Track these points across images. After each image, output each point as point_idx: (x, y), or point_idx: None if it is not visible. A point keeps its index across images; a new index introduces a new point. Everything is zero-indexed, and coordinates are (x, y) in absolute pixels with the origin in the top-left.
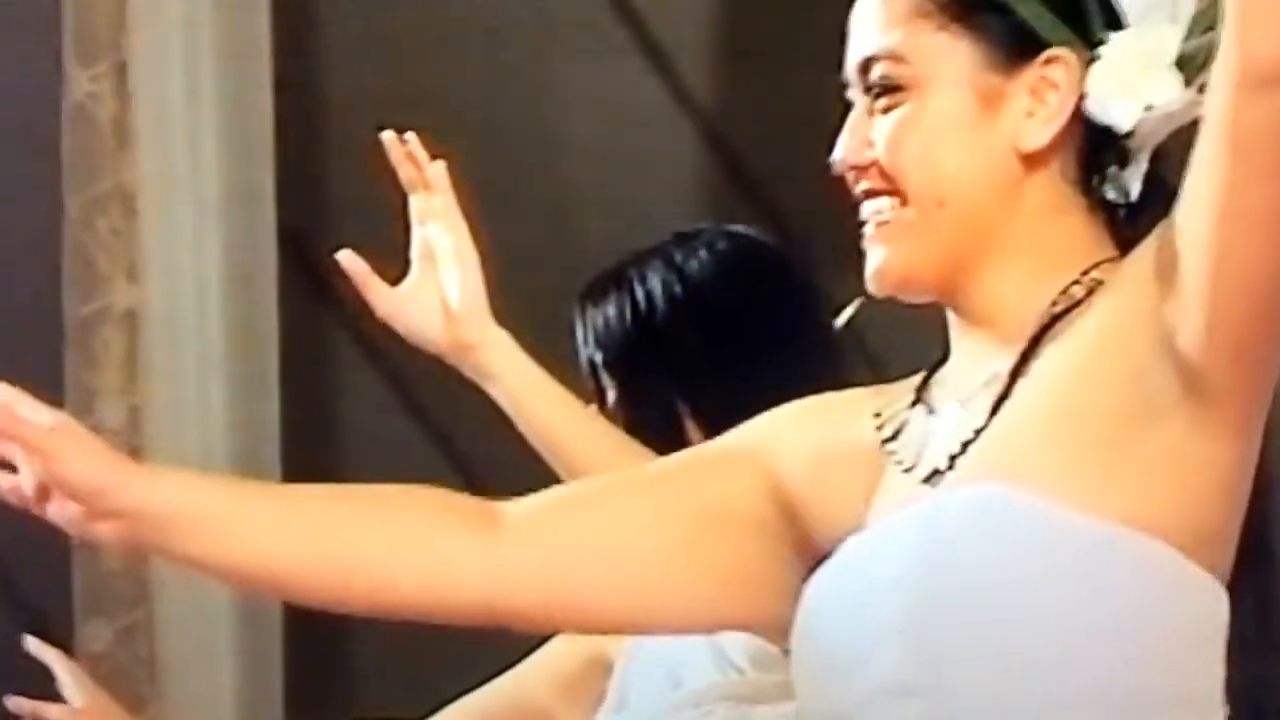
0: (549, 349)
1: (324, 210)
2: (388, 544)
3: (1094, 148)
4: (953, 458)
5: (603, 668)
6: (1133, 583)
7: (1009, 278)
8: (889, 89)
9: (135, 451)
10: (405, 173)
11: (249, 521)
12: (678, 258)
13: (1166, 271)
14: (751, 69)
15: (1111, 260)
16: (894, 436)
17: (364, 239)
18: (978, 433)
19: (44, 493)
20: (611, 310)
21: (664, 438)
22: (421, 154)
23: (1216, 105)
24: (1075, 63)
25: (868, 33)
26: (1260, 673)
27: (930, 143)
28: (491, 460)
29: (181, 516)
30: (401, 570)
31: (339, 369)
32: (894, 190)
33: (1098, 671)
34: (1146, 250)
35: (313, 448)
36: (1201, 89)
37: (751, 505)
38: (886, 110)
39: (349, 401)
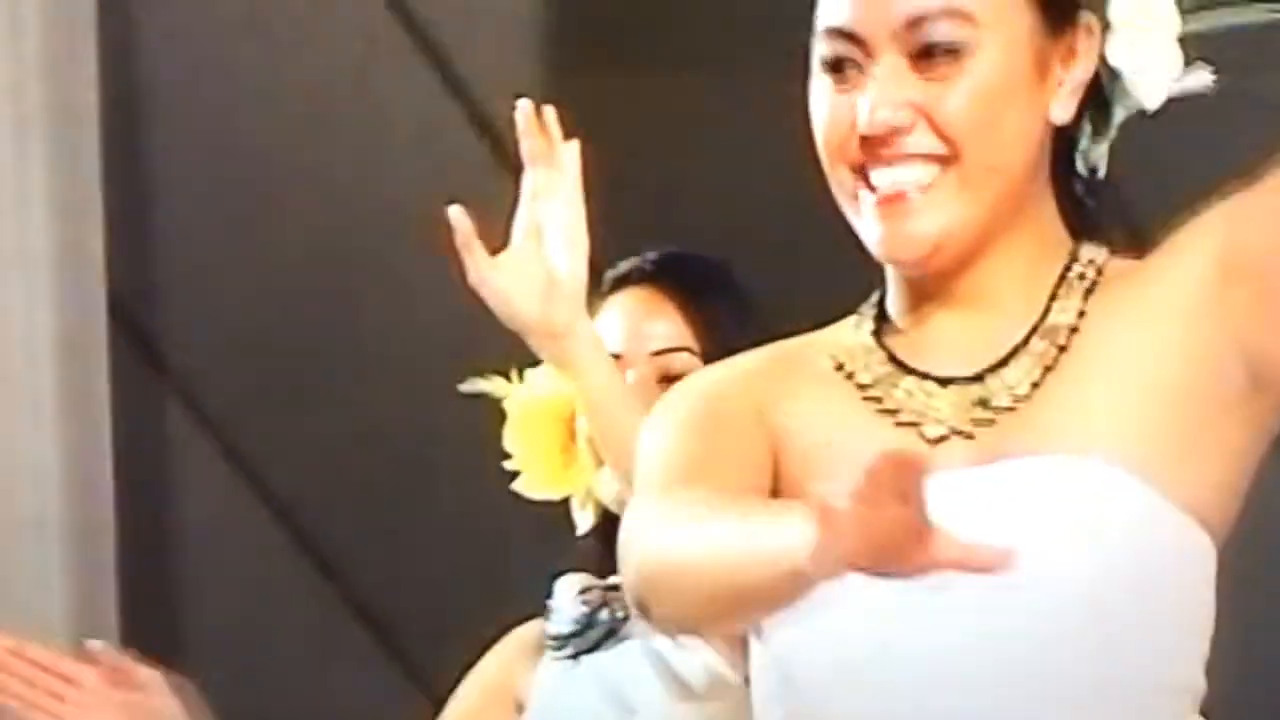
0: None
1: (153, 274)
2: None
3: (1081, 121)
4: (988, 421)
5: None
6: (1204, 580)
7: (1021, 251)
8: (948, 49)
9: None
10: (531, 145)
11: None
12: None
13: (1242, 275)
14: None
15: (1093, 245)
16: (868, 386)
17: (193, 302)
18: (1017, 400)
19: None
20: (723, 305)
21: None
22: (556, 130)
23: None
24: (1098, 32)
25: None
26: None
27: (995, 106)
28: (327, 524)
29: None
30: None
31: (170, 432)
32: (942, 155)
33: (1181, 669)
34: (1201, 242)
35: (146, 510)
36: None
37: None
38: (936, 70)
39: (180, 464)
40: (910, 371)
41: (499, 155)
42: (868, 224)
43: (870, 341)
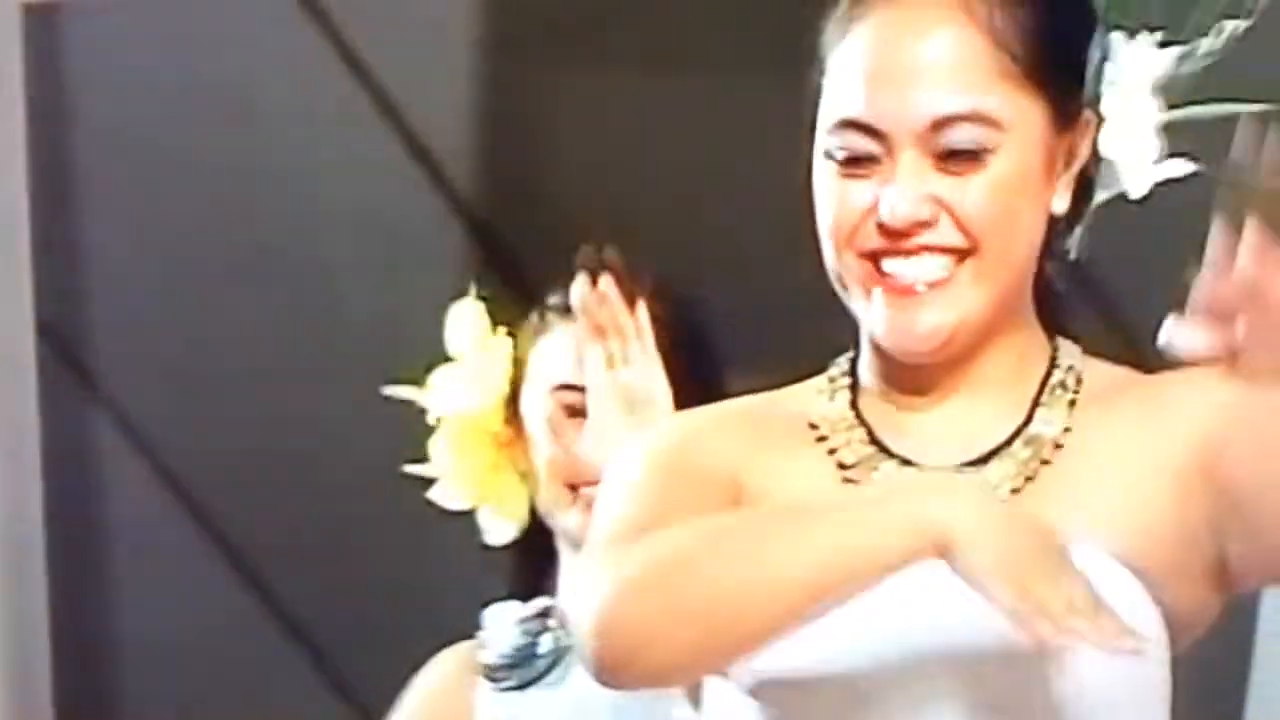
0: None
1: (82, 301)
2: None
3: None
4: None
5: None
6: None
7: (1013, 342)
8: (972, 150)
9: None
10: (594, 319)
11: None
12: None
13: (1224, 493)
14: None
15: (1067, 341)
16: (849, 467)
17: (124, 329)
18: (1013, 492)
19: None
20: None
21: None
22: (617, 298)
23: None
24: (1093, 127)
25: (940, 90)
26: None
27: (1014, 202)
28: (258, 538)
29: None
30: None
31: (102, 457)
32: (962, 248)
33: None
34: (1199, 416)
35: (77, 537)
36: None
37: None
38: (958, 165)
39: (112, 490)
40: (891, 455)
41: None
42: (876, 312)
43: (850, 415)
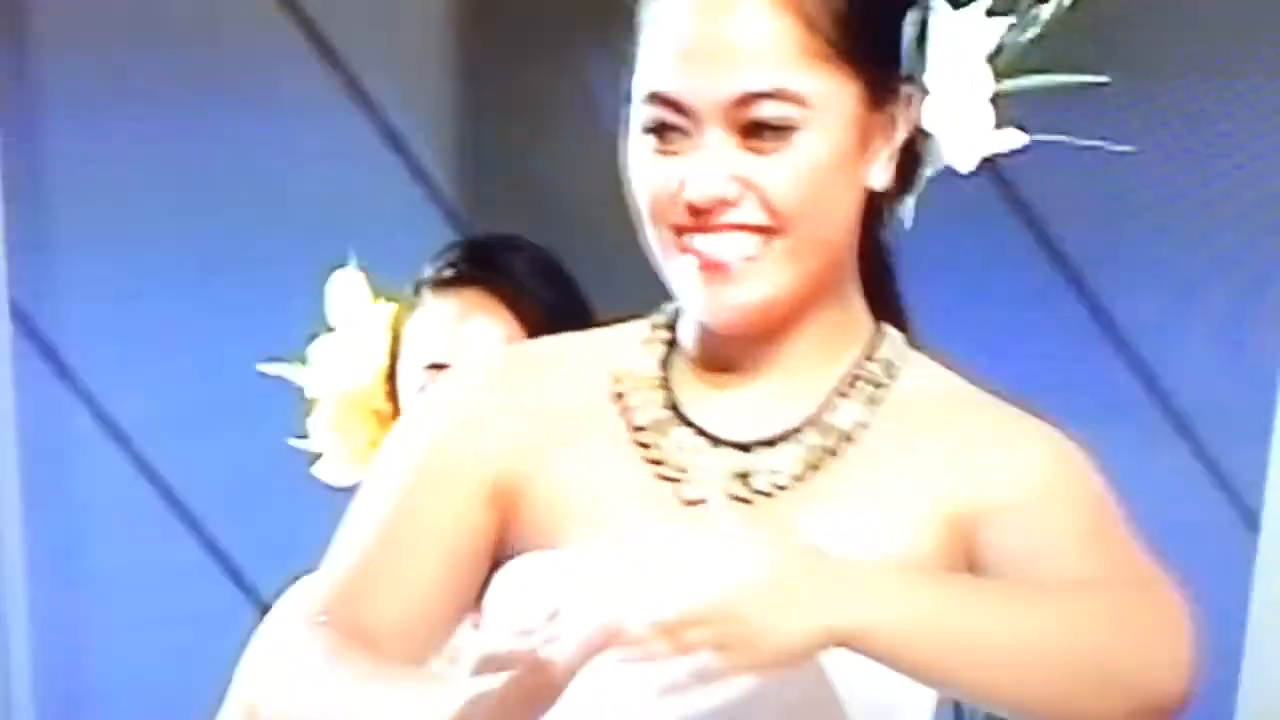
0: None
1: (56, 285)
2: None
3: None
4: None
5: None
6: None
7: (826, 323)
8: (777, 128)
9: None
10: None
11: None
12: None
13: (1001, 542)
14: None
15: (894, 334)
16: (643, 429)
17: (96, 314)
18: (776, 488)
19: None
20: (553, 300)
21: None
22: None
23: None
24: (917, 100)
25: (745, 67)
26: None
27: (822, 182)
28: (243, 537)
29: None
30: None
31: (76, 443)
32: (768, 227)
33: None
34: (1019, 480)
35: (53, 523)
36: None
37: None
38: (763, 144)
39: (88, 476)
40: (687, 423)
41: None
42: (689, 287)
43: (656, 374)
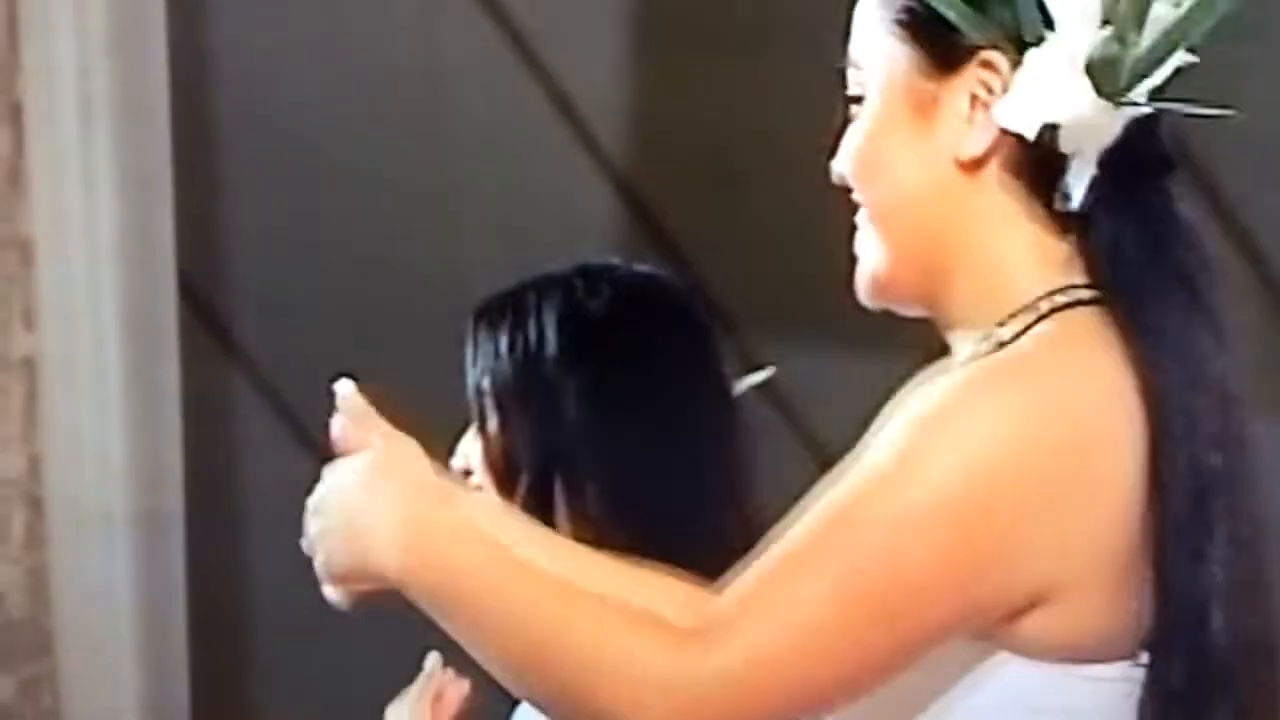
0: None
1: (222, 255)
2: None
3: (1032, 156)
4: None
5: None
6: None
7: (975, 289)
8: (857, 97)
9: (35, 501)
10: None
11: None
12: (579, 292)
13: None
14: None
15: (1072, 286)
16: None
17: (262, 282)
18: None
19: None
20: (504, 339)
21: (533, 486)
22: None
23: None
24: (1007, 67)
25: (852, 41)
26: None
27: (872, 152)
28: None
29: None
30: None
31: (240, 415)
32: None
33: None
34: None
35: (216, 497)
36: (1113, 99)
37: None
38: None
39: (251, 449)
40: None
41: (574, 128)
42: None
43: None
